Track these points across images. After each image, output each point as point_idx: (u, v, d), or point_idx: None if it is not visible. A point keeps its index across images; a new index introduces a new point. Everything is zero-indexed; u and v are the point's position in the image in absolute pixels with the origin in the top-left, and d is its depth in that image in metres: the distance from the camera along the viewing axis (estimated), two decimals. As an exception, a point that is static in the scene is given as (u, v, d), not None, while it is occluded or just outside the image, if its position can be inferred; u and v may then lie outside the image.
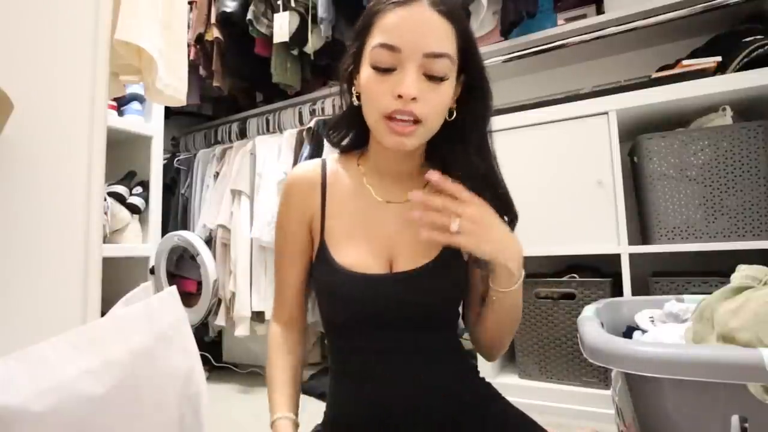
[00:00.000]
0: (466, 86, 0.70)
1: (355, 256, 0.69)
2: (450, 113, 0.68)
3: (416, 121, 0.62)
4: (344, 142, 0.78)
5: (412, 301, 0.67)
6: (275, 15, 1.92)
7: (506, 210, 0.72)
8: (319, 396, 1.67)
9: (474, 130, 0.70)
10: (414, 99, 0.61)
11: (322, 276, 0.71)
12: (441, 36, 0.61)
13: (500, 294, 0.67)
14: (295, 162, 1.95)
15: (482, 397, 0.73)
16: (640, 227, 1.48)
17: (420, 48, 0.60)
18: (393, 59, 0.61)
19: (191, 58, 2.10)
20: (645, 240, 1.42)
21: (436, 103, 0.63)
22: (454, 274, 0.70)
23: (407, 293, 0.67)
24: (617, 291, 1.38)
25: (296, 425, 0.68)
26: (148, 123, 1.85)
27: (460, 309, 0.78)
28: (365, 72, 0.64)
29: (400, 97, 0.60)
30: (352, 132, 0.77)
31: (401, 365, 0.68)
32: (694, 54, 1.46)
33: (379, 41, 0.62)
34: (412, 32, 0.60)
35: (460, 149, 0.69)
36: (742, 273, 0.68)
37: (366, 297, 0.68)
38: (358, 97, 0.68)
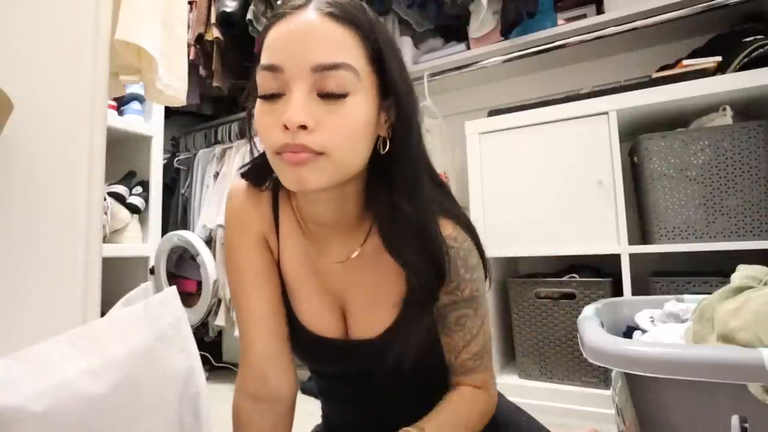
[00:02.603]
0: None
1: (311, 312, 0.62)
2: (384, 144, 0.54)
3: (317, 154, 0.48)
4: (264, 185, 0.63)
5: (377, 365, 0.61)
6: (275, 15, 1.92)
7: (434, 268, 0.56)
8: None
9: (401, 168, 0.54)
10: (304, 127, 0.47)
11: (290, 328, 0.64)
12: (332, 43, 0.47)
13: None
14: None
15: None
16: (640, 227, 1.48)
17: (304, 61, 0.47)
18: (277, 82, 0.48)
19: (191, 58, 2.10)
20: (645, 240, 1.42)
21: (340, 128, 0.48)
22: (417, 331, 0.59)
23: (370, 360, 0.61)
24: (617, 291, 1.38)
25: None
26: (148, 123, 1.85)
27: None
28: (257, 104, 0.51)
29: (286, 128, 0.47)
30: (260, 178, 0.63)
31: (380, 394, 0.66)
32: (694, 54, 1.46)
33: (260, 63, 0.50)
34: (293, 44, 0.47)
35: (385, 192, 0.55)
36: (742, 273, 0.68)
37: (327, 360, 0.63)
38: None
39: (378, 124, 0.53)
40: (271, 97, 0.49)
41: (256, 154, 0.62)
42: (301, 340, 0.63)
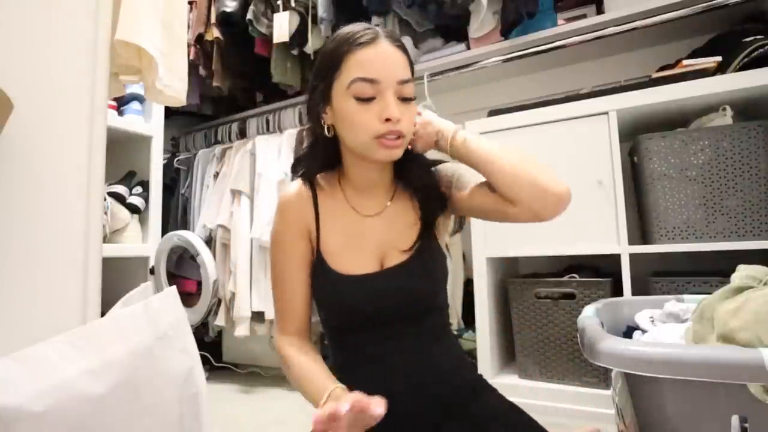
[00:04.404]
0: None
1: (350, 262, 0.78)
2: None
3: (402, 137, 0.73)
4: (312, 172, 0.83)
5: (403, 288, 0.76)
6: (275, 15, 1.92)
7: (442, 203, 0.81)
8: (319, 396, 1.66)
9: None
10: (398, 120, 0.71)
11: (321, 283, 0.78)
12: (404, 65, 0.74)
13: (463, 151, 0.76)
14: (295, 162, 1.95)
15: (473, 381, 0.79)
16: (640, 227, 1.48)
17: (394, 77, 0.71)
18: (373, 90, 0.71)
19: (191, 58, 2.10)
20: (645, 240, 1.42)
21: (410, 120, 0.74)
22: (435, 257, 0.80)
23: (398, 282, 0.76)
24: (617, 291, 1.38)
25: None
26: (148, 123, 1.85)
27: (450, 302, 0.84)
28: (346, 104, 0.72)
29: (387, 120, 0.70)
30: (318, 162, 0.83)
31: (397, 351, 0.75)
32: (694, 54, 1.46)
33: (357, 76, 0.71)
34: (385, 65, 0.71)
35: (410, 159, 0.80)
36: (742, 273, 0.68)
37: (361, 293, 0.75)
38: (328, 129, 0.77)
39: None
40: (367, 100, 0.71)
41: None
42: (342, 286, 0.76)
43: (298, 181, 0.83)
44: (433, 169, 0.84)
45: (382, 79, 0.71)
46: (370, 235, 0.79)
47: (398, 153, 0.74)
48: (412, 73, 0.77)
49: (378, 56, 0.71)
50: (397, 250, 0.78)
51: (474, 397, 0.76)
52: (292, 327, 0.79)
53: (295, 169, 0.84)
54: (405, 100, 0.73)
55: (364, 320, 0.76)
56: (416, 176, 0.82)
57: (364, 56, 0.71)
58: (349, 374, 0.76)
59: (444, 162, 0.86)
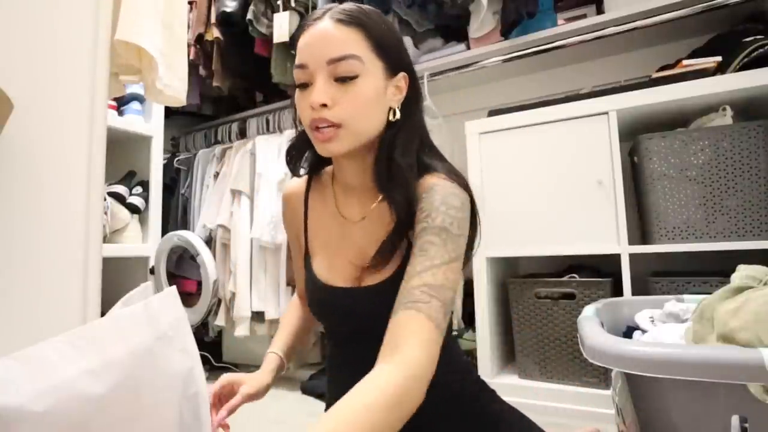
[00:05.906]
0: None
1: (328, 269, 0.74)
2: (394, 113, 0.68)
3: (337, 126, 0.63)
4: (302, 169, 0.79)
5: (376, 312, 0.63)
6: (275, 15, 1.92)
7: (412, 208, 0.66)
8: (319, 396, 1.66)
9: (404, 131, 0.68)
10: (324, 105, 0.62)
11: (307, 284, 0.77)
12: (341, 41, 0.63)
13: None
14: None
15: (473, 392, 0.76)
16: (640, 227, 1.48)
17: (321, 57, 0.63)
18: (305, 76, 0.65)
19: (191, 58, 2.10)
20: (645, 240, 1.42)
21: (352, 103, 0.63)
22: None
23: (373, 306, 0.66)
24: (617, 291, 1.38)
25: (281, 359, 0.82)
26: (148, 123, 1.85)
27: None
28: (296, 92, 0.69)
29: (313, 108, 0.63)
30: (304, 155, 0.78)
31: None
32: (694, 54, 1.46)
33: (295, 63, 0.67)
34: (313, 46, 0.64)
35: (386, 151, 0.68)
36: (742, 273, 0.68)
37: (335, 308, 0.72)
38: None
39: (386, 96, 0.67)
40: (303, 86, 0.66)
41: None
42: (320, 295, 0.73)
43: (298, 179, 0.82)
44: (423, 179, 0.68)
45: (309, 62, 0.64)
46: (350, 243, 0.73)
47: (337, 146, 0.64)
48: (384, 47, 0.65)
49: (309, 39, 0.65)
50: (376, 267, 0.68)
51: (473, 401, 0.74)
52: (299, 291, 0.90)
53: (288, 159, 0.78)
54: (343, 80, 0.63)
55: (341, 330, 0.74)
56: (381, 184, 0.69)
57: (301, 42, 0.66)
58: (336, 375, 0.76)
59: (445, 166, 0.71)
